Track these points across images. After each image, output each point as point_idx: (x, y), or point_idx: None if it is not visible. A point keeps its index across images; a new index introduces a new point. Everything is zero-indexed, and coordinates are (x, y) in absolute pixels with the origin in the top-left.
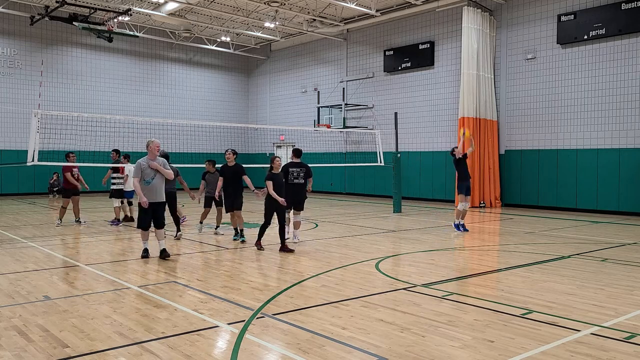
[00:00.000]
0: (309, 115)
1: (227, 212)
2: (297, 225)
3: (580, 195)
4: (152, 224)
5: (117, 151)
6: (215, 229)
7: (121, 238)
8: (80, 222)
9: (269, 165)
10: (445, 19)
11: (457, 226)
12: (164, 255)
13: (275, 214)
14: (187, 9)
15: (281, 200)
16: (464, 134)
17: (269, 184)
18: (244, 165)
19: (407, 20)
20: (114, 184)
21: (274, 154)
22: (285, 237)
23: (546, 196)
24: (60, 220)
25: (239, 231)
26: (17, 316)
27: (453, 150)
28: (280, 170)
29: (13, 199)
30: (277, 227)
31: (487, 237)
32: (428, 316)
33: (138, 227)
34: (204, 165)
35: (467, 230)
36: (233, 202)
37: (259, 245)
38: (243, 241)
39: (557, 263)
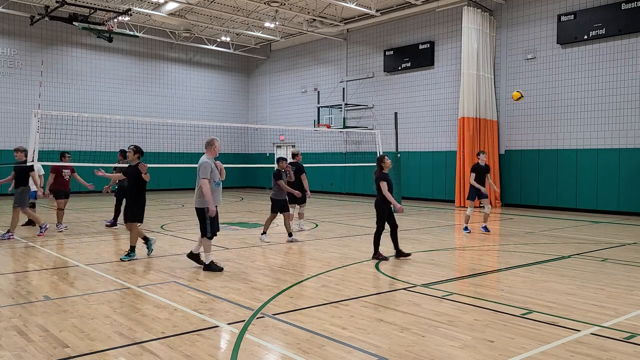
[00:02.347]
0: (309, 115)
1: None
2: (302, 216)
3: (580, 195)
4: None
5: (123, 152)
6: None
7: (121, 238)
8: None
9: (266, 166)
10: (445, 19)
11: (483, 228)
12: (195, 257)
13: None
14: (187, 9)
15: (399, 207)
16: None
17: (384, 185)
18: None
19: (407, 20)
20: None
21: (274, 154)
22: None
23: (546, 196)
24: (60, 223)
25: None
26: (17, 316)
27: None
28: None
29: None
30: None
31: (487, 237)
32: (428, 316)
33: (209, 235)
34: None
35: (470, 232)
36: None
37: (380, 255)
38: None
39: (557, 263)
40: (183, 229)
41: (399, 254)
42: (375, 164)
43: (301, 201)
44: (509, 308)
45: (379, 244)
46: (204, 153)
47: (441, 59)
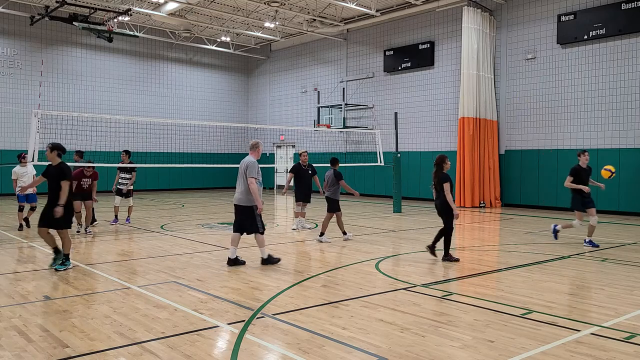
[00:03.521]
0: (309, 115)
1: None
2: (304, 215)
3: None
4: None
5: (127, 152)
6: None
7: (121, 238)
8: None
9: (266, 166)
10: (445, 19)
11: (591, 242)
12: (237, 263)
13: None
14: (187, 9)
15: (457, 212)
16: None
17: (448, 186)
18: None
19: (407, 20)
20: (120, 183)
21: (274, 154)
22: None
23: (546, 196)
24: (79, 224)
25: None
26: (17, 316)
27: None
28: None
29: (13, 199)
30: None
31: (487, 237)
32: (428, 316)
33: (262, 230)
34: (201, 166)
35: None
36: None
37: (451, 257)
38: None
39: (557, 263)
40: (183, 229)
41: (432, 250)
42: (375, 164)
43: (308, 200)
44: (509, 308)
45: (449, 246)
46: (205, 153)
47: (441, 59)
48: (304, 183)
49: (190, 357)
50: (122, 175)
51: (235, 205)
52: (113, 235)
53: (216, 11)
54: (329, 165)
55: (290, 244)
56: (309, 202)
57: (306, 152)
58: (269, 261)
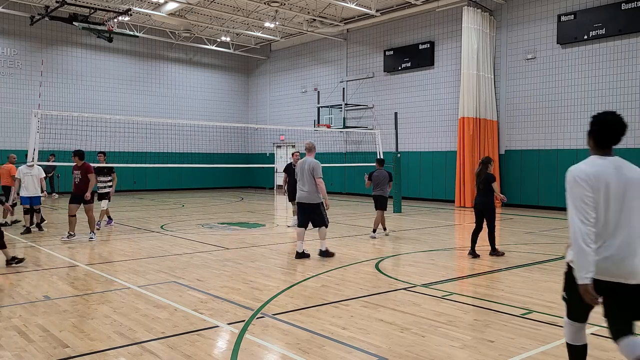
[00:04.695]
0: (309, 115)
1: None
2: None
3: None
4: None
5: (103, 153)
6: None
7: (121, 238)
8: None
9: (266, 165)
10: (445, 19)
11: None
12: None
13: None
14: (187, 9)
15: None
16: None
17: (497, 184)
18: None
19: (407, 20)
20: (100, 187)
21: (274, 154)
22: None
23: (546, 196)
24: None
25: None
26: (17, 316)
27: None
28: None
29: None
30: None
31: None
32: (428, 316)
33: (327, 225)
34: (201, 166)
35: None
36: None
37: (498, 252)
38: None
39: (557, 263)
40: (183, 229)
41: (496, 252)
42: (373, 164)
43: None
44: (509, 308)
45: (495, 241)
46: (205, 153)
47: (441, 59)
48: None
49: (190, 357)
50: (100, 178)
51: (301, 203)
52: (113, 235)
53: (216, 11)
54: (376, 165)
55: (291, 244)
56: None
57: (298, 152)
58: (326, 254)
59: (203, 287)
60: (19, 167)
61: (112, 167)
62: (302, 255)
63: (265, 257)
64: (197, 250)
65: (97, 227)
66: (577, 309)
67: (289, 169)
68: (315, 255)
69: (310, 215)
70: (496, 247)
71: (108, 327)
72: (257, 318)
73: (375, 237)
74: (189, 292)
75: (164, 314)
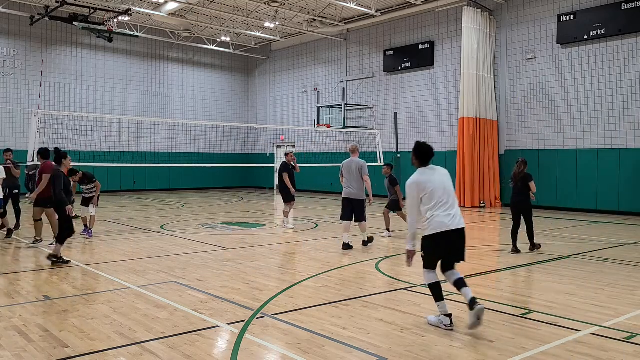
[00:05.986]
0: (309, 115)
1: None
2: (287, 214)
3: (580, 195)
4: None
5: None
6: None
7: (121, 238)
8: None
9: (266, 165)
10: (445, 19)
11: None
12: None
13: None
14: (187, 9)
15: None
16: None
17: (532, 183)
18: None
19: (407, 20)
20: (85, 193)
21: (274, 154)
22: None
23: (546, 196)
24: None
25: None
26: (17, 316)
27: None
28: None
29: None
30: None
31: (487, 237)
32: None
33: (365, 219)
34: (201, 165)
35: None
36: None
37: (536, 245)
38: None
39: (557, 263)
40: (183, 229)
41: (535, 246)
42: (375, 164)
43: (291, 199)
44: (509, 308)
45: (533, 237)
46: (205, 153)
47: (441, 59)
48: (292, 183)
49: (190, 357)
50: (83, 187)
51: (348, 199)
52: (113, 235)
53: (216, 11)
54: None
55: (291, 244)
56: (293, 201)
57: (292, 152)
58: (370, 241)
59: (203, 287)
60: None
61: (92, 176)
62: (347, 247)
63: (265, 257)
64: (197, 250)
65: (89, 235)
66: (430, 260)
67: (287, 168)
68: (359, 245)
69: (354, 210)
70: (534, 242)
71: (108, 327)
72: (257, 318)
73: (389, 237)
74: (189, 292)
75: (164, 314)
